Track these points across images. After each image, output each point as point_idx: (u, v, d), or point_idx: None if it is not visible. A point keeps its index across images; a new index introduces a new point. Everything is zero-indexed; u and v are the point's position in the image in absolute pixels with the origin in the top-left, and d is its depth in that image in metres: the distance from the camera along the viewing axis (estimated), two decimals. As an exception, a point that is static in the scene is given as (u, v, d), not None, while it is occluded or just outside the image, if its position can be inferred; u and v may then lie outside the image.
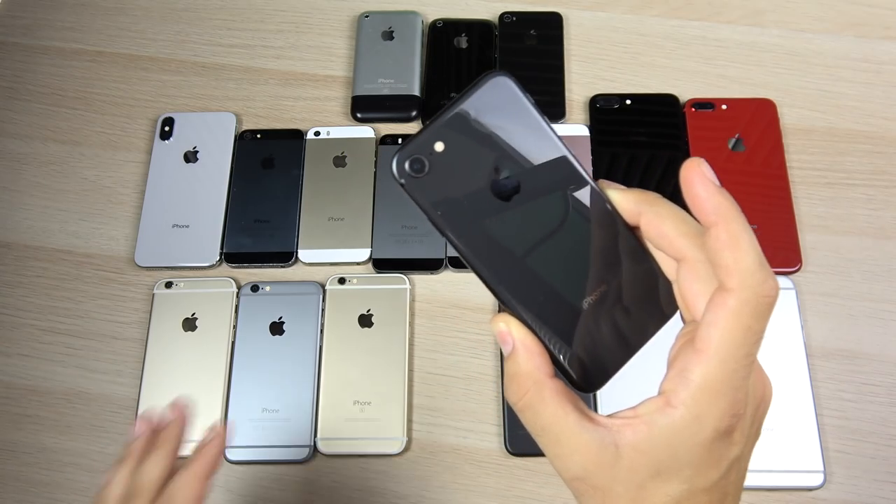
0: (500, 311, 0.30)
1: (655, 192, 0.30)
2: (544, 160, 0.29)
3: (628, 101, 0.70)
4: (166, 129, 0.70)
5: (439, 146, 0.28)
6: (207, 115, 0.71)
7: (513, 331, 0.29)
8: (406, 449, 0.59)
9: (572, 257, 0.30)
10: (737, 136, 0.67)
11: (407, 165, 0.28)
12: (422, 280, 0.65)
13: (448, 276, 0.65)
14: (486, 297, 0.64)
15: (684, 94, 0.70)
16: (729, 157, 0.67)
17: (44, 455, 0.60)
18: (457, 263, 0.64)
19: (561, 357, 0.30)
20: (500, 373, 0.61)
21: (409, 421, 0.60)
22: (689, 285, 0.29)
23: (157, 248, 0.65)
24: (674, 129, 0.68)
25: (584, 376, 0.30)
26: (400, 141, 0.69)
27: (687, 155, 0.67)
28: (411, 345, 0.62)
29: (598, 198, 0.30)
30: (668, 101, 0.70)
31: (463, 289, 0.64)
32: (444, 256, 0.64)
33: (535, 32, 0.73)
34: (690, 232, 0.29)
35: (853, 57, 0.72)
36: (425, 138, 0.28)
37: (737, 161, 0.67)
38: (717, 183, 0.28)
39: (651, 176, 0.66)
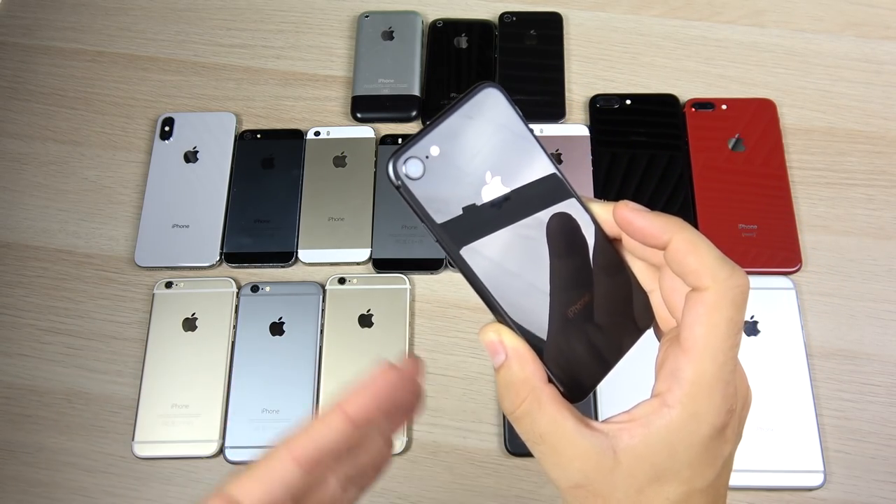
0: (486, 325, 0.30)
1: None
2: (532, 171, 0.30)
3: (628, 101, 0.70)
4: (166, 129, 0.70)
5: (435, 150, 0.28)
6: (207, 115, 0.71)
7: (505, 339, 0.29)
8: (406, 449, 0.59)
9: (557, 268, 0.30)
10: (737, 136, 0.67)
11: (404, 168, 0.28)
12: (422, 280, 0.65)
13: (448, 276, 0.65)
14: (486, 297, 0.64)
15: (684, 94, 0.70)
16: (729, 157, 0.67)
17: (44, 455, 0.60)
18: (457, 263, 0.64)
19: (547, 366, 0.30)
20: (500, 373, 0.61)
21: (409, 421, 0.60)
22: (673, 285, 0.30)
23: (157, 248, 0.65)
24: (674, 129, 0.68)
25: (569, 385, 0.30)
26: (400, 141, 0.69)
27: (687, 155, 0.67)
28: (411, 345, 0.62)
29: (581, 210, 0.31)
30: (668, 101, 0.70)
31: (463, 289, 0.64)
32: (444, 256, 0.64)
33: (535, 32, 0.73)
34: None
35: (853, 57, 0.72)
36: (422, 142, 0.28)
37: (737, 161, 0.67)
38: (649, 210, 0.29)
39: (651, 176, 0.66)
